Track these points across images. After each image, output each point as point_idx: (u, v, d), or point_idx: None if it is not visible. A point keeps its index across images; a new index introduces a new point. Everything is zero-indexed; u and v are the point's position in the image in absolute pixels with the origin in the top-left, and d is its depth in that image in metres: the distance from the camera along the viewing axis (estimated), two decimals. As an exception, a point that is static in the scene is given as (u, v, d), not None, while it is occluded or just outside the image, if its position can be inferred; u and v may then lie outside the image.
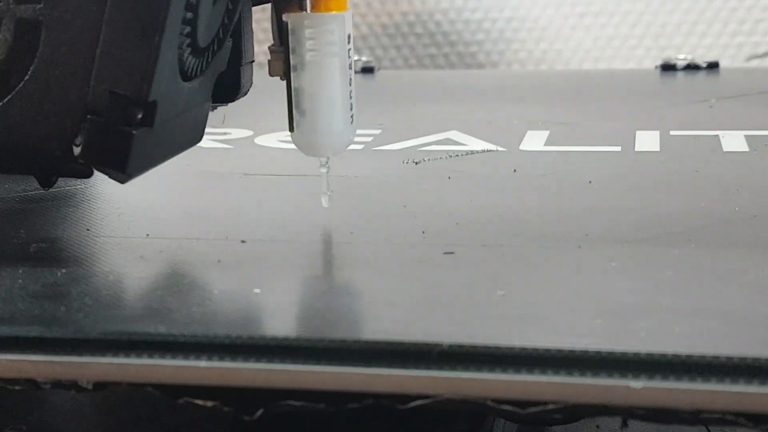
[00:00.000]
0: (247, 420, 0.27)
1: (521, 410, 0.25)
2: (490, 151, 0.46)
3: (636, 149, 0.46)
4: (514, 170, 0.43)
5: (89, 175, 0.31)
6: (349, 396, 0.26)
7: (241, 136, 0.51)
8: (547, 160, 0.45)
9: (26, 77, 0.29)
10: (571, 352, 0.25)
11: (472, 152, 0.46)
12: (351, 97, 0.34)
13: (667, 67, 0.68)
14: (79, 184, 0.42)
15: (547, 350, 0.25)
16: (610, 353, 0.24)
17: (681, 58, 0.69)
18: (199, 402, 0.28)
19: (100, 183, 0.42)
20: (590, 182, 0.40)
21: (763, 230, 0.34)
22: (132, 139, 0.29)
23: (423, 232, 0.34)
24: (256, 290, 0.29)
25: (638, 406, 0.25)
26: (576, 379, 0.25)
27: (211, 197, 0.41)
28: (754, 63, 0.86)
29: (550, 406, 0.25)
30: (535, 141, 0.48)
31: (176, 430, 0.35)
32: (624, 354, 0.24)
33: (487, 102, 0.60)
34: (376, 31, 0.92)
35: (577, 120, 0.53)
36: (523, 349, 0.25)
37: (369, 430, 0.31)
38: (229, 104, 0.37)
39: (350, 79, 0.34)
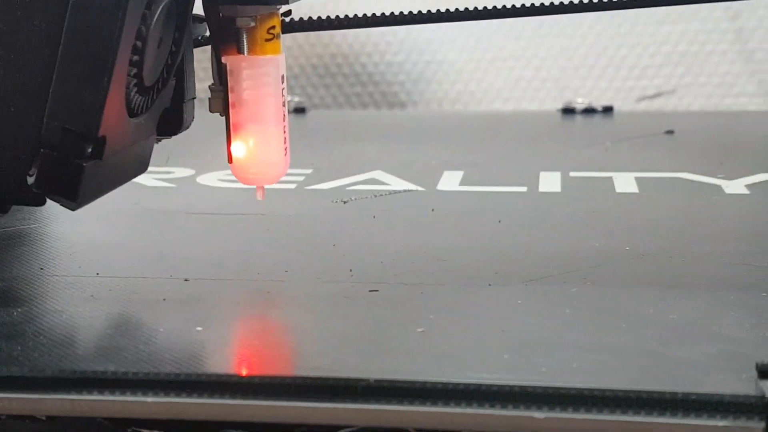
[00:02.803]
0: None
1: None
2: (410, 191, 0.47)
3: (540, 190, 0.46)
4: (432, 210, 0.43)
5: (42, 203, 0.31)
6: (284, 426, 0.27)
7: (184, 175, 0.51)
8: (461, 199, 0.45)
9: None
10: (482, 386, 0.25)
11: (395, 192, 0.47)
12: (285, 132, 0.35)
13: (567, 110, 0.69)
14: (32, 223, 0.41)
15: (462, 384, 0.25)
16: (516, 387, 0.25)
17: (579, 102, 0.70)
18: (145, 431, 0.28)
19: (53, 223, 0.42)
20: (500, 221, 0.41)
21: (651, 269, 0.35)
22: (82, 171, 0.29)
23: (350, 270, 0.35)
24: (198, 328, 0.29)
25: (541, 434, 0.25)
26: (487, 410, 0.25)
27: (156, 236, 0.40)
28: (644, 104, 0.88)
29: (466, 433, 0.26)
30: (450, 181, 0.48)
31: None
32: (528, 387, 0.25)
33: (407, 142, 0.61)
34: (308, 72, 0.92)
35: (488, 160, 0.54)
36: (441, 384, 0.25)
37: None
38: (173, 141, 0.37)
39: (284, 115, 0.34)
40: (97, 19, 0.28)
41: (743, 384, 0.25)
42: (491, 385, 0.25)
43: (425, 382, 0.25)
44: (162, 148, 0.46)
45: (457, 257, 0.36)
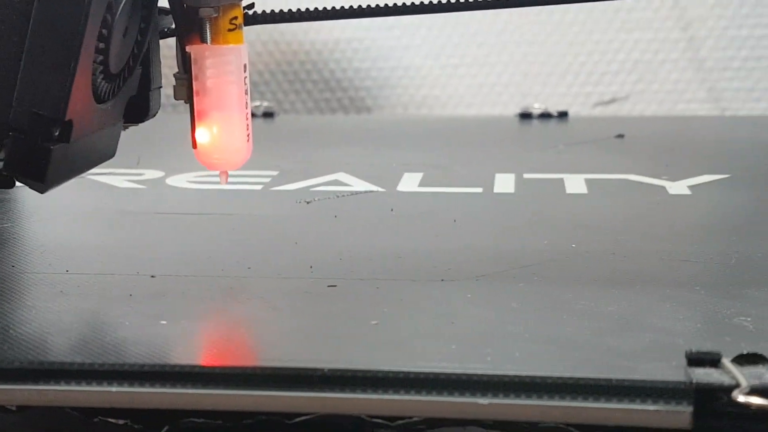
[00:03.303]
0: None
1: (391, 423, 0.27)
2: (371, 191, 0.48)
3: (495, 191, 0.47)
4: (392, 209, 0.44)
5: (11, 185, 0.31)
6: (244, 414, 0.27)
7: (154, 177, 0.51)
8: (419, 200, 0.46)
9: None
10: (431, 374, 0.26)
11: (357, 193, 0.47)
12: (247, 119, 0.35)
13: (525, 115, 0.70)
14: (5, 223, 0.41)
15: (412, 373, 0.26)
16: (463, 375, 0.26)
17: (536, 107, 0.71)
18: (112, 421, 0.28)
19: (25, 222, 0.42)
20: (455, 221, 0.42)
21: (593, 265, 0.36)
22: (50, 153, 0.29)
23: (311, 267, 0.35)
24: (163, 322, 0.30)
25: (486, 419, 0.26)
26: (434, 397, 0.26)
27: (124, 235, 0.41)
28: (599, 109, 0.89)
29: (415, 419, 0.27)
30: (410, 182, 0.49)
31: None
32: (473, 375, 0.26)
33: (371, 145, 0.62)
34: (278, 78, 0.92)
35: (447, 163, 0.55)
36: (392, 372, 0.26)
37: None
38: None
39: (246, 103, 0.35)
40: (64, 6, 0.29)
41: (673, 371, 0.26)
42: (439, 374, 0.26)
43: (377, 371, 0.26)
44: (133, 150, 0.46)
45: (412, 255, 0.37)
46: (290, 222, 0.43)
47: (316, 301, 0.32)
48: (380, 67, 0.92)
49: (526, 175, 0.50)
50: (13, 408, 0.28)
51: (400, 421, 0.27)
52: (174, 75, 0.35)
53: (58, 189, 0.44)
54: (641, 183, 0.48)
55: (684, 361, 0.26)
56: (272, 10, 0.38)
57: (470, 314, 0.31)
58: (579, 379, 0.26)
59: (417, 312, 0.31)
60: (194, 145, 0.35)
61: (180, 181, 0.50)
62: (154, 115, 0.37)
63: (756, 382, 0.24)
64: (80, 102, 0.30)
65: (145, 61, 0.34)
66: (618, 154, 0.56)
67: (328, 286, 0.33)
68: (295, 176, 0.51)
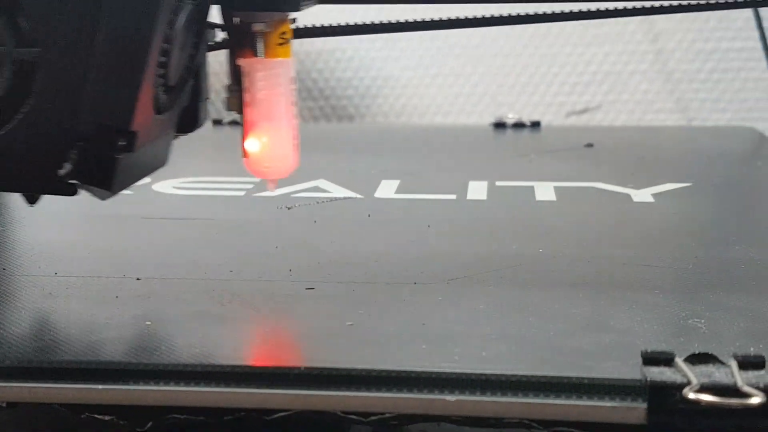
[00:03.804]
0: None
1: (364, 419, 0.27)
2: (349, 198, 0.48)
3: (468, 198, 0.48)
4: (369, 215, 0.45)
5: (74, 193, 0.32)
6: (225, 410, 0.28)
7: (140, 182, 0.51)
8: (396, 206, 0.47)
9: (24, 109, 0.30)
10: (401, 372, 0.27)
11: (336, 199, 0.48)
12: (294, 129, 0.35)
13: (499, 125, 0.71)
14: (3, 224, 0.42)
15: (384, 371, 0.27)
16: (432, 373, 0.27)
17: (510, 117, 0.72)
18: (99, 417, 0.29)
19: (16, 227, 0.43)
20: (429, 226, 0.43)
21: (560, 269, 0.37)
22: (117, 162, 0.30)
23: (290, 270, 0.36)
24: (148, 322, 0.31)
25: (453, 415, 0.27)
26: (404, 394, 0.27)
27: (111, 239, 0.41)
28: (572, 119, 0.90)
29: (387, 415, 0.27)
30: (387, 189, 0.50)
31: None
32: (441, 373, 0.27)
33: (351, 153, 0.62)
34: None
35: (423, 170, 0.55)
36: (365, 371, 0.27)
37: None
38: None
39: (293, 113, 0.35)
40: (133, 23, 0.29)
41: (629, 369, 0.26)
42: (409, 372, 0.27)
43: (351, 370, 0.27)
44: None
45: (387, 259, 0.38)
46: (271, 227, 0.44)
47: (295, 302, 0.33)
48: (362, 77, 0.93)
49: (498, 183, 0.51)
50: (3, 405, 0.29)
51: (374, 417, 0.27)
52: (226, 87, 0.35)
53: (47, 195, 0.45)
54: (607, 191, 0.49)
55: (640, 361, 0.27)
56: (313, 25, 0.38)
57: (441, 315, 0.32)
58: (541, 377, 0.26)
59: (390, 313, 0.32)
60: (245, 154, 0.35)
61: (166, 187, 0.50)
62: (202, 125, 0.37)
63: (706, 380, 0.25)
64: (143, 113, 0.30)
65: (196, 74, 0.35)
66: (587, 162, 0.57)
67: (306, 288, 0.34)
68: (278, 182, 0.51)
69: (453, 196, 0.48)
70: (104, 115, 0.29)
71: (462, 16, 0.40)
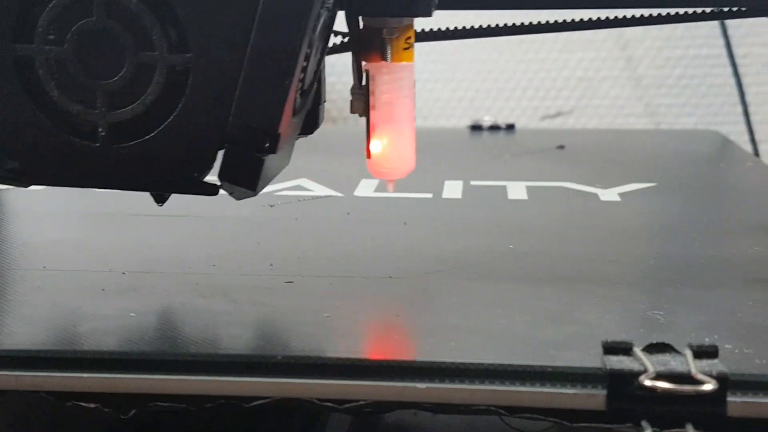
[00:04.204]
0: (124, 419, 0.29)
1: (339, 406, 0.28)
2: (330, 196, 0.48)
3: (443, 196, 0.48)
4: (348, 213, 0.45)
5: (215, 194, 0.32)
6: (206, 398, 0.28)
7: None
8: (374, 204, 0.47)
9: (175, 112, 0.30)
10: (375, 361, 0.27)
11: (317, 197, 0.48)
12: (414, 131, 0.35)
13: (475, 127, 0.71)
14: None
15: (358, 360, 0.27)
16: (403, 362, 0.27)
17: (486, 120, 0.73)
18: (84, 404, 0.29)
19: (6, 223, 0.43)
20: (405, 224, 0.43)
21: (529, 265, 0.37)
22: (263, 163, 0.30)
23: (271, 265, 0.36)
24: (132, 314, 0.31)
25: (424, 401, 0.27)
26: (377, 382, 0.27)
27: (100, 235, 0.42)
28: (546, 122, 0.91)
29: (361, 402, 0.28)
30: (367, 188, 0.50)
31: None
32: (413, 362, 0.27)
33: (334, 154, 0.62)
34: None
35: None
36: (340, 360, 0.27)
37: (224, 424, 0.33)
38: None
39: (414, 116, 0.35)
40: (284, 33, 0.29)
41: (591, 359, 0.27)
42: (382, 361, 0.27)
43: (327, 359, 0.27)
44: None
45: (365, 254, 0.38)
46: (254, 223, 0.44)
47: (274, 295, 0.33)
48: (345, 81, 0.93)
49: (473, 182, 0.51)
50: (-8, 393, 0.29)
51: (348, 405, 0.28)
52: (351, 90, 0.35)
53: (39, 193, 0.45)
54: (576, 190, 0.50)
55: (600, 350, 0.27)
56: (431, 29, 0.38)
57: (414, 308, 0.32)
58: (507, 365, 0.27)
59: (366, 306, 0.32)
60: (368, 155, 0.35)
61: (153, 185, 0.50)
62: (318, 127, 0.36)
63: (662, 368, 0.26)
64: (286, 116, 0.30)
65: (318, 78, 0.35)
66: (558, 163, 0.57)
67: (286, 282, 0.34)
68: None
69: (429, 195, 0.48)
70: (253, 118, 0.29)
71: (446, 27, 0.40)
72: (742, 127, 0.87)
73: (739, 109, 0.87)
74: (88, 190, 0.49)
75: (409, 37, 0.34)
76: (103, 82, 0.29)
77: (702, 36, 0.88)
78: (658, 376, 0.25)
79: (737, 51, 0.87)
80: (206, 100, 0.29)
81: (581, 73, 0.90)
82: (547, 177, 0.52)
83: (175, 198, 0.48)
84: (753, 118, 0.87)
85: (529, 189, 0.50)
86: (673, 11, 0.41)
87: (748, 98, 0.87)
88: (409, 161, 0.35)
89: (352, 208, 0.46)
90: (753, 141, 0.86)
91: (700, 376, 0.25)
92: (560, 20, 0.40)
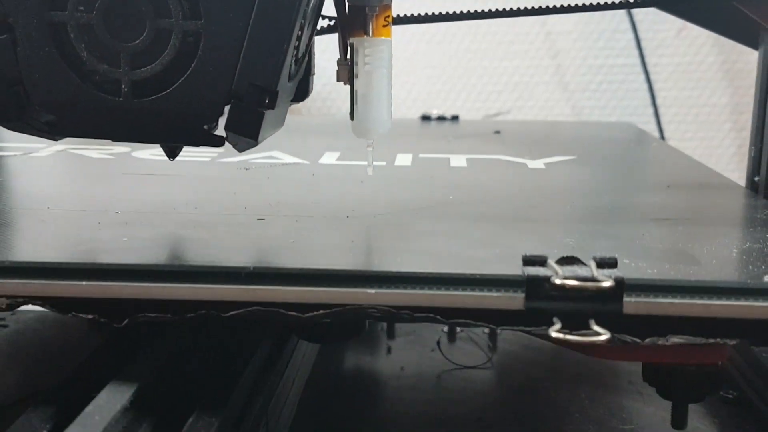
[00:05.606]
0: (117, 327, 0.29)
1: (302, 315, 0.29)
2: (298, 163, 0.49)
3: (395, 164, 0.50)
4: (312, 174, 0.46)
5: (221, 144, 0.32)
6: (188, 307, 0.29)
7: (122, 151, 0.52)
8: (336, 169, 0.48)
9: (188, 72, 0.30)
10: (332, 270, 0.28)
11: (286, 164, 0.49)
12: (390, 97, 0.36)
13: (425, 117, 0.73)
14: (0, 178, 0.42)
15: (319, 270, 0.28)
16: (357, 271, 0.28)
17: (435, 112, 0.74)
18: (83, 315, 0.29)
19: (17, 179, 0.43)
20: (362, 182, 0.44)
21: (465, 209, 0.38)
22: (263, 117, 0.30)
23: (245, 207, 0.37)
24: (125, 239, 0.32)
25: (374, 305, 0.28)
26: (335, 289, 0.28)
27: (97, 187, 0.42)
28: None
29: (321, 311, 0.29)
30: (330, 158, 0.51)
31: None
32: (365, 271, 0.28)
33: (304, 135, 0.63)
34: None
35: (360, 147, 0.56)
36: (303, 270, 0.28)
37: (206, 334, 0.34)
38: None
39: (390, 84, 0.36)
40: (283, 3, 0.30)
41: (512, 269, 0.28)
42: (339, 270, 0.28)
43: (291, 269, 0.28)
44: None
45: (327, 202, 0.39)
46: (232, 181, 0.45)
47: (248, 228, 0.34)
48: (322, 82, 0.94)
49: (421, 155, 0.53)
50: (3, 306, 0.29)
51: (310, 314, 0.29)
52: (337, 61, 0.35)
53: (43, 156, 0.45)
54: (509, 161, 0.51)
55: (521, 263, 0.29)
56: (412, 14, 0.38)
57: (366, 236, 0.33)
58: (444, 273, 0.28)
59: (326, 235, 0.33)
60: (351, 117, 0.35)
61: (144, 154, 0.51)
62: (308, 96, 0.37)
63: (570, 273, 0.27)
64: (282, 78, 0.31)
65: (309, 51, 0.35)
66: (494, 143, 0.59)
67: (258, 219, 0.35)
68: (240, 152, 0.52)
69: (384, 163, 0.50)
70: (255, 77, 0.30)
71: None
72: (653, 126, 0.90)
73: (651, 110, 0.90)
74: (86, 158, 0.49)
75: (387, 16, 0.35)
76: (126, 45, 0.30)
77: (620, 48, 0.91)
78: (566, 277, 0.27)
79: (649, 60, 0.90)
80: (215, 61, 0.30)
81: (518, 78, 0.92)
82: (484, 152, 0.54)
83: (163, 164, 0.49)
84: (662, 119, 0.90)
85: (469, 160, 0.51)
86: (588, 2, 0.43)
87: (658, 101, 0.90)
88: (386, 122, 0.36)
89: (317, 172, 0.47)
90: (662, 138, 0.89)
91: (601, 277, 0.27)
92: (493, 8, 0.42)
